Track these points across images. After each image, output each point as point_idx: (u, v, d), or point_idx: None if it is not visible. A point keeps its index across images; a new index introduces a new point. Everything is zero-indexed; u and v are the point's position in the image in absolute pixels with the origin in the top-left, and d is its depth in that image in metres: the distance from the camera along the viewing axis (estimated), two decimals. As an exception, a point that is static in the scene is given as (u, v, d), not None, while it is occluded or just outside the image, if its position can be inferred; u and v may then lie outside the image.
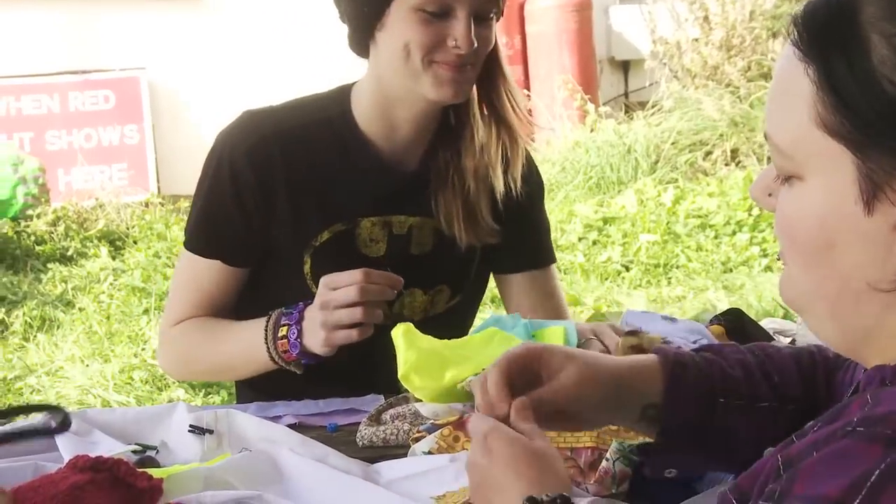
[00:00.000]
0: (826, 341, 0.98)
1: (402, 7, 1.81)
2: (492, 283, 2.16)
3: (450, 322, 2.02)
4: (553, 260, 2.15)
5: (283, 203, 1.93)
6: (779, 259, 0.99)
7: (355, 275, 1.75)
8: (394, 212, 1.96)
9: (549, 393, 1.19)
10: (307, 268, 1.94)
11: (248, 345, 1.88)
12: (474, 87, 1.93)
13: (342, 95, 1.98)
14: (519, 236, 2.05)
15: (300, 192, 1.93)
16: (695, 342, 1.79)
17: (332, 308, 1.76)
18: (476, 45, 1.81)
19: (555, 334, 1.79)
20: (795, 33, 0.90)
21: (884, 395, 0.86)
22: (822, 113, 0.88)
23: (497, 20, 1.89)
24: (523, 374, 1.20)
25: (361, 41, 1.90)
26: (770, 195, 0.97)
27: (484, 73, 1.91)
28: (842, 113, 0.87)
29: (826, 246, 0.90)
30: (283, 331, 1.83)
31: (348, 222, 1.95)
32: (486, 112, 1.96)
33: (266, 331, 1.85)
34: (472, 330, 1.84)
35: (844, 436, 0.82)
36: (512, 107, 1.95)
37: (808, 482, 0.82)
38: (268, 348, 1.85)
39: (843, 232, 0.89)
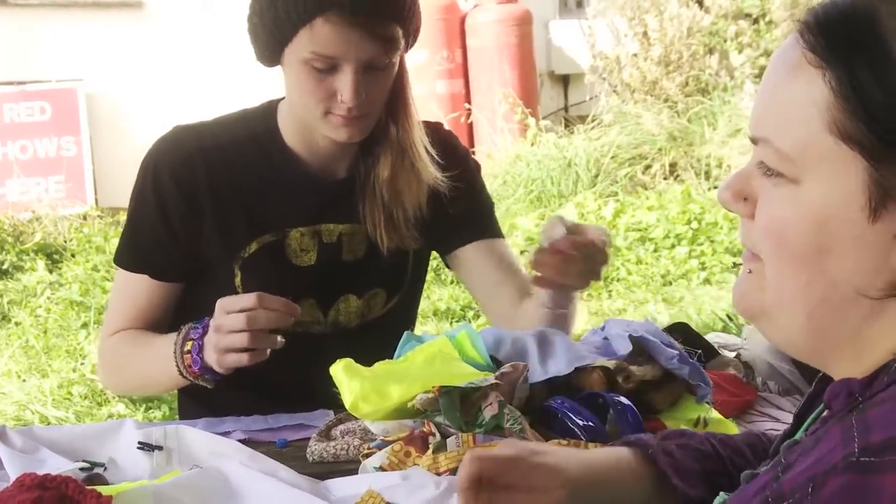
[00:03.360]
0: (787, 346, 0.99)
1: (293, 57, 1.83)
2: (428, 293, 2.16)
3: (389, 324, 2.03)
4: (502, 236, 2.15)
5: (209, 218, 1.95)
6: (734, 265, 0.99)
7: (247, 300, 1.74)
8: (323, 220, 1.99)
9: None
10: (238, 280, 1.97)
11: (163, 359, 1.88)
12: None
13: (268, 111, 2.01)
14: (461, 211, 2.05)
15: (226, 206, 1.96)
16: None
17: (223, 332, 1.75)
18: (365, 96, 1.83)
19: (464, 341, 1.79)
20: (810, 38, 0.91)
21: (871, 418, 0.86)
22: (838, 118, 0.89)
23: (406, 51, 1.90)
24: (496, 477, 1.17)
25: (269, 64, 1.92)
26: (745, 199, 0.97)
27: (390, 103, 1.93)
28: (862, 119, 0.88)
29: (819, 250, 0.91)
30: (188, 345, 1.84)
31: (277, 233, 1.97)
32: (394, 136, 1.97)
33: (175, 345, 1.86)
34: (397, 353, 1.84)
35: (848, 468, 0.82)
36: (413, 141, 1.96)
37: None
38: (175, 362, 1.85)
39: (841, 237, 0.90)
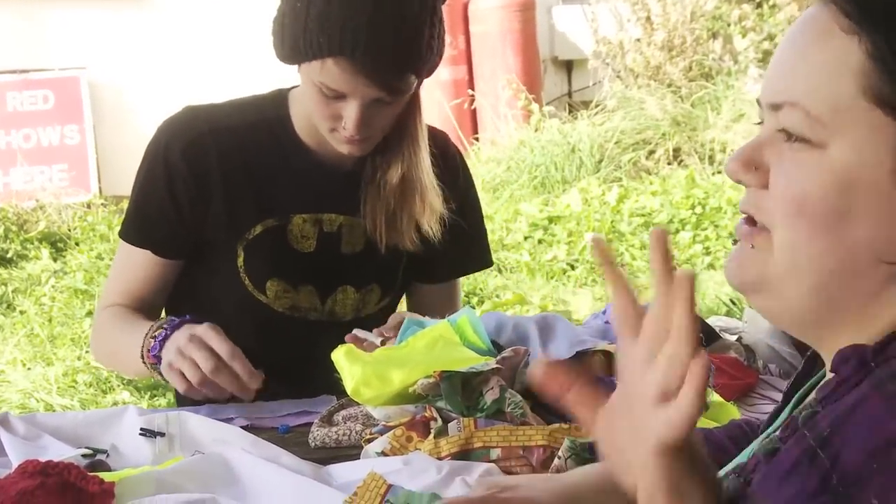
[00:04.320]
0: (787, 319, 0.98)
1: (306, 75, 1.86)
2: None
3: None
4: (488, 264, 2.23)
5: (217, 197, 1.97)
6: (734, 242, 0.99)
7: (224, 348, 1.76)
8: (325, 210, 2.00)
9: None
10: (240, 261, 1.99)
11: (136, 344, 1.89)
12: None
13: (280, 99, 2.02)
14: (450, 248, 2.06)
15: (235, 187, 1.98)
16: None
17: (185, 355, 1.77)
18: (370, 124, 1.85)
19: (465, 326, 1.80)
20: (843, 4, 0.93)
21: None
22: (874, 83, 0.90)
23: (419, 85, 1.90)
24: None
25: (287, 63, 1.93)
26: (756, 169, 0.97)
27: (400, 126, 1.93)
28: None
29: (841, 215, 0.92)
30: (159, 332, 1.86)
31: (280, 218, 1.99)
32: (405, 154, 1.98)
33: (150, 328, 1.88)
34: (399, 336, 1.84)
35: (876, 388, 0.87)
36: (419, 167, 1.97)
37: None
38: (143, 343, 1.86)
39: (866, 201, 0.91)
